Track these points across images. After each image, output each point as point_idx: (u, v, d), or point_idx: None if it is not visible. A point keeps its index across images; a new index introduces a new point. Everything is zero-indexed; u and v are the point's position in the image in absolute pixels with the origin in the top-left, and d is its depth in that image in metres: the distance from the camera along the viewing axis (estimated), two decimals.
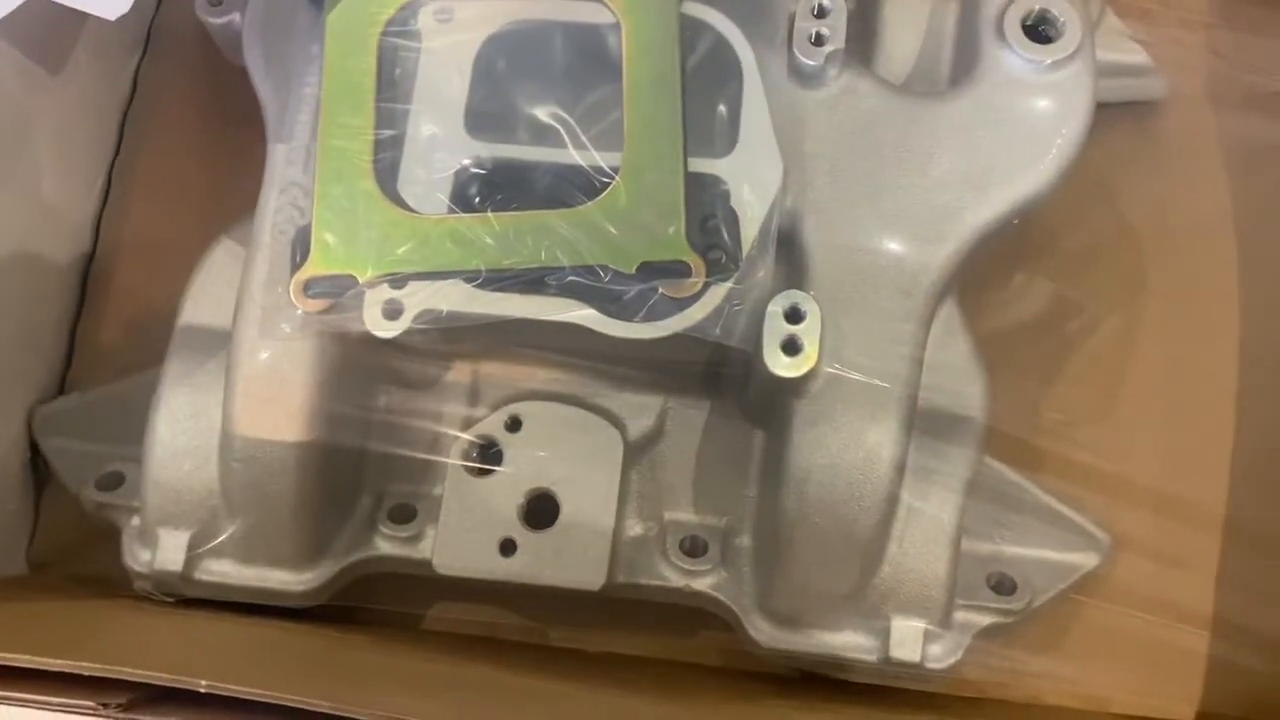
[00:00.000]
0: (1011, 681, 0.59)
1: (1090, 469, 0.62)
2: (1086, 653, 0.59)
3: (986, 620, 0.55)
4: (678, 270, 0.50)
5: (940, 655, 0.53)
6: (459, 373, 0.57)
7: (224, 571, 0.54)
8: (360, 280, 0.50)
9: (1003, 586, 0.56)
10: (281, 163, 0.53)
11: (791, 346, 0.49)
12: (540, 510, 0.55)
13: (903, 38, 0.58)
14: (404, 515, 0.56)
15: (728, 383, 0.55)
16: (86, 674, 0.38)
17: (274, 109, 0.55)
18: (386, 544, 0.56)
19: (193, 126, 0.68)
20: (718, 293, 0.50)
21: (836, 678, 0.55)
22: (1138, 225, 0.66)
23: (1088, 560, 0.58)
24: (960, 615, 0.54)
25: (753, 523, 0.56)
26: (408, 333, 0.50)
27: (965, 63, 0.55)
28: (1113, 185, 0.66)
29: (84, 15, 0.51)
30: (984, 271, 0.60)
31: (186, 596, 0.55)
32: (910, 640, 0.52)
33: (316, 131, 0.52)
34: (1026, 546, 0.57)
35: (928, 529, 0.52)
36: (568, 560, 0.54)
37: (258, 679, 0.39)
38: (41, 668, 0.38)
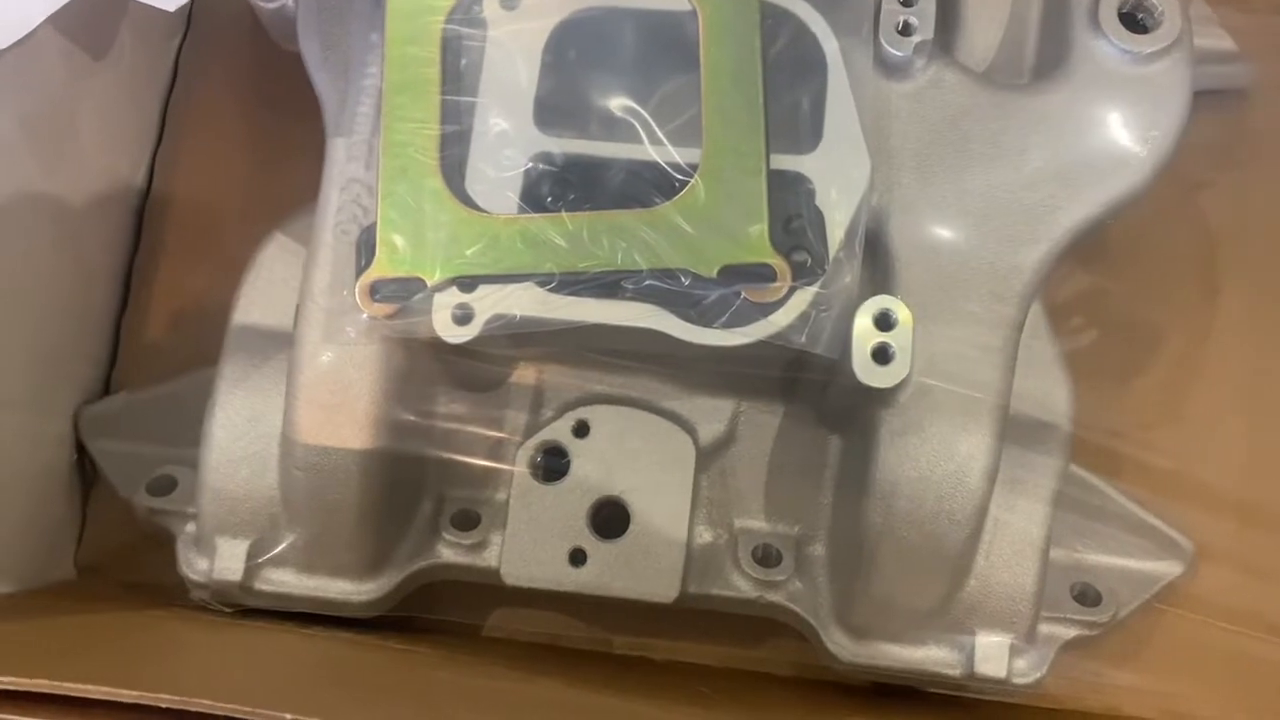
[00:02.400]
0: (1091, 693, 0.57)
1: (1169, 474, 0.60)
2: (1168, 664, 0.57)
3: (1071, 633, 0.53)
4: (761, 274, 0.47)
5: (1026, 670, 0.52)
6: (523, 375, 0.55)
7: (284, 581, 0.53)
8: (429, 283, 0.48)
9: (1086, 597, 0.54)
10: (342, 158, 0.51)
11: (882, 355, 0.47)
12: (610, 519, 0.53)
13: (985, 26, 0.55)
14: (467, 521, 0.54)
15: (804, 387, 0.53)
16: (163, 705, 0.36)
17: (332, 100, 0.53)
18: (450, 551, 0.54)
19: (235, 113, 0.66)
20: (803, 297, 0.47)
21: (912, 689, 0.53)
22: (1215, 220, 0.64)
23: (1171, 569, 0.56)
24: (1045, 628, 0.52)
25: (828, 531, 0.54)
26: (477, 338, 0.48)
27: (1053, 53, 0.52)
28: (1190, 178, 0.63)
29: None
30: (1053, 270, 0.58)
31: (245, 606, 0.53)
32: (996, 655, 0.51)
33: (378, 125, 0.50)
34: (1109, 555, 0.56)
35: (1015, 541, 0.50)
36: (639, 571, 0.52)
37: (334, 707, 0.37)
38: (112, 699, 0.37)
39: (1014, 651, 0.51)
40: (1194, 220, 0.63)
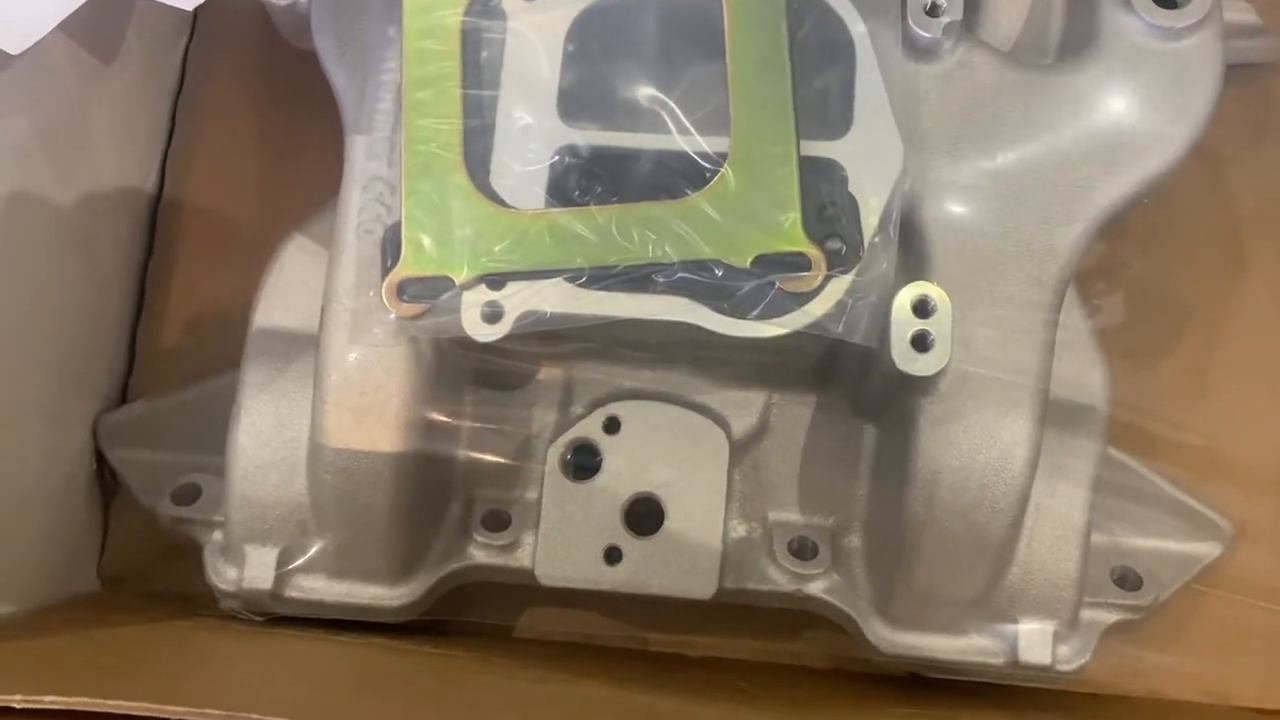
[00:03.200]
0: (1132, 678, 0.57)
1: (1203, 453, 0.59)
2: (1209, 646, 0.57)
3: (1113, 617, 0.52)
4: (795, 263, 0.46)
5: (1069, 656, 0.51)
6: (552, 372, 0.54)
7: (315, 588, 0.52)
8: (457, 281, 0.47)
9: (1127, 581, 0.54)
10: (363, 156, 0.50)
11: (921, 342, 0.46)
12: (644, 515, 0.52)
13: (1008, 6, 0.54)
14: (498, 522, 0.54)
15: (838, 377, 0.52)
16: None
17: (350, 97, 0.52)
18: (482, 553, 0.53)
19: (247, 112, 0.65)
20: (839, 286, 0.46)
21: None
22: (1242, 195, 0.63)
23: (1211, 550, 0.56)
24: (1087, 614, 0.52)
25: (864, 522, 0.53)
26: (507, 336, 0.47)
27: (1081, 31, 0.51)
28: (1216, 153, 0.62)
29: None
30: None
31: (276, 615, 0.52)
32: (1040, 643, 0.50)
33: (399, 122, 0.49)
34: (1148, 538, 0.55)
35: (1057, 527, 0.50)
36: (676, 568, 0.51)
37: (386, 717, 0.37)
38: (157, 715, 0.36)
39: (1057, 638, 0.50)
40: (1220, 195, 0.62)
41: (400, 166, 0.48)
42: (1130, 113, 0.49)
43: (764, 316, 0.47)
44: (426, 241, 0.47)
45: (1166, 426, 0.59)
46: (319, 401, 0.49)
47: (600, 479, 0.52)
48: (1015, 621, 0.50)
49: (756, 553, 0.53)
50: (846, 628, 0.53)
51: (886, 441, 0.52)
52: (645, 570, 0.51)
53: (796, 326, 0.46)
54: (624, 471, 0.52)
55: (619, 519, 0.52)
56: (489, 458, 0.54)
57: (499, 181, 0.48)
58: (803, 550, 0.53)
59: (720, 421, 0.53)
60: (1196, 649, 0.57)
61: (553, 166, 0.48)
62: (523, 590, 0.53)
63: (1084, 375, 0.52)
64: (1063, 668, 0.51)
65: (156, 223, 0.63)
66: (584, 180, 0.48)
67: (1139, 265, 0.61)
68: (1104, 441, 0.52)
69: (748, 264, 0.47)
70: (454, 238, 0.47)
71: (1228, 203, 0.63)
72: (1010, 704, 0.52)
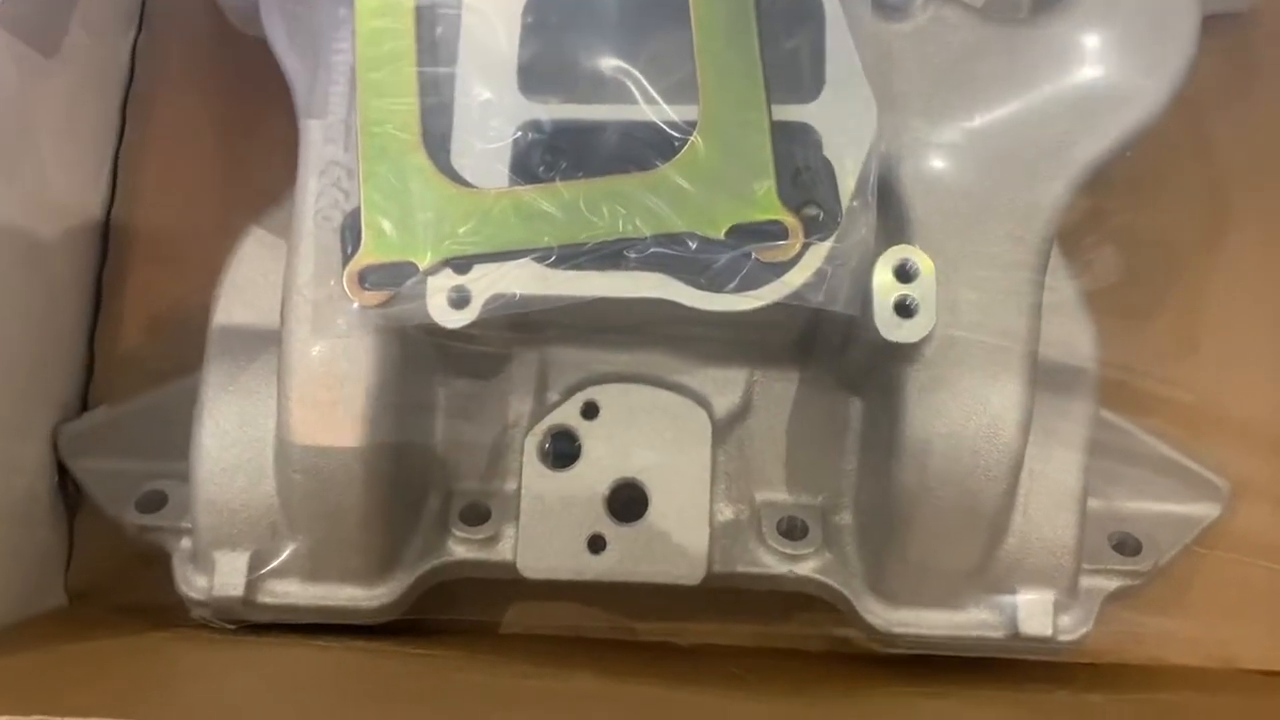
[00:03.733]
0: (1133, 644, 0.55)
1: (1195, 411, 0.58)
2: (1210, 609, 0.56)
3: (1114, 584, 0.51)
4: (772, 232, 0.45)
5: (1071, 626, 0.50)
6: (526, 358, 0.52)
7: (289, 592, 0.50)
8: (420, 267, 0.45)
9: (1126, 546, 0.52)
10: (318, 141, 0.48)
11: (905, 308, 0.45)
12: (627, 502, 0.50)
13: None
14: (477, 515, 0.52)
15: (820, 349, 0.51)
16: None
17: (302, 81, 0.50)
18: (462, 548, 0.51)
19: (199, 106, 0.62)
20: (818, 254, 0.45)
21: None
22: (1223, 146, 0.62)
23: (1209, 511, 0.54)
24: (1086, 581, 0.50)
25: (854, 498, 0.52)
26: (476, 321, 0.45)
27: None
28: (1196, 106, 0.61)
29: None
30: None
31: (250, 621, 0.50)
32: (1040, 613, 0.49)
33: (354, 104, 0.47)
34: (1144, 500, 0.54)
35: (1052, 493, 0.48)
36: (662, 554, 0.49)
37: None
38: None
39: (1058, 608, 0.49)
40: (1204, 148, 0.61)
41: (357, 150, 0.47)
42: (1108, 65, 0.48)
43: (742, 289, 0.45)
44: (387, 226, 0.46)
45: (1157, 384, 0.58)
46: (283, 398, 0.47)
47: (580, 466, 0.50)
48: (1014, 593, 0.49)
49: (745, 535, 0.52)
50: (841, 607, 0.51)
51: (873, 413, 0.50)
52: (631, 558, 0.49)
53: (776, 297, 0.45)
54: (604, 458, 0.50)
55: (601, 507, 0.50)
56: (465, 449, 0.52)
57: (460, 161, 0.46)
58: (792, 530, 0.52)
59: (702, 401, 0.51)
60: (1198, 612, 0.56)
61: (515, 143, 0.46)
62: (505, 584, 0.51)
63: (1072, 336, 0.51)
64: (1064, 638, 0.49)
65: (110, 223, 0.61)
66: (548, 156, 0.46)
67: (1123, 221, 0.60)
68: (1096, 403, 0.50)
69: (722, 235, 0.45)
70: (416, 221, 0.46)
71: (1212, 156, 0.61)
72: (1009, 677, 0.51)
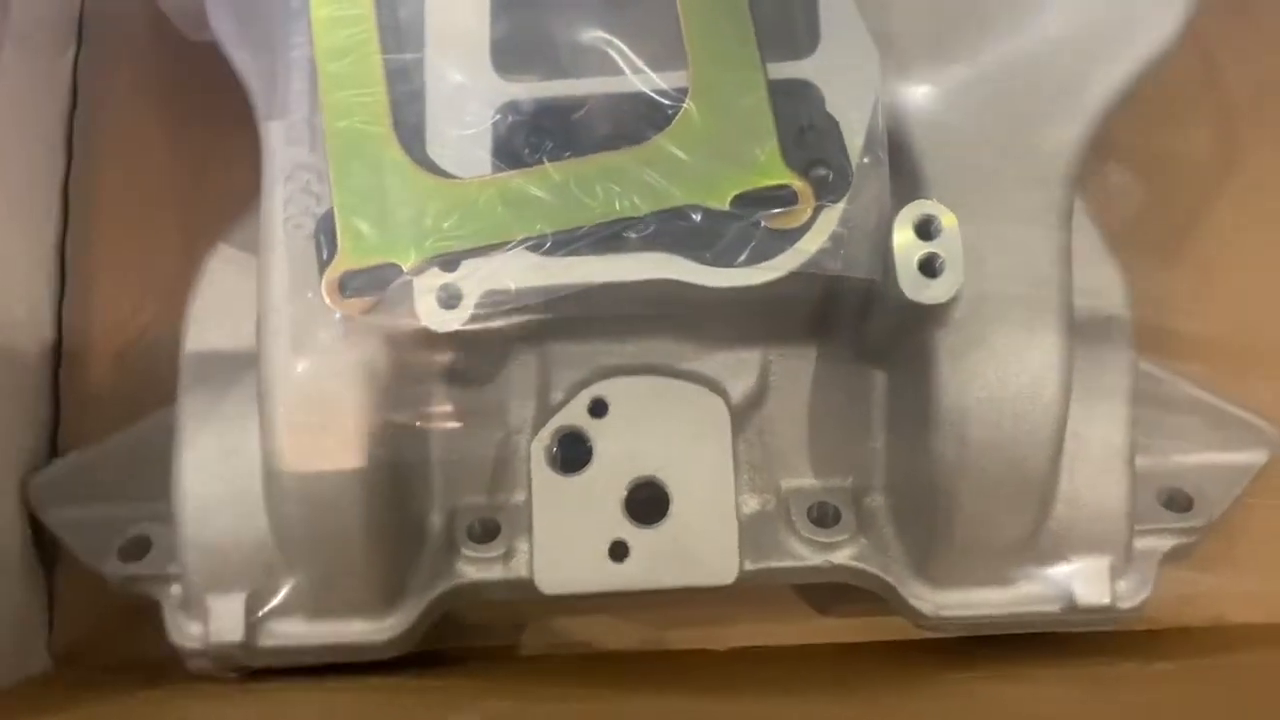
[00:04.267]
0: (1188, 606, 0.52)
1: (1225, 351, 0.55)
2: (1264, 561, 0.53)
3: (1168, 544, 0.48)
4: (780, 198, 0.42)
5: (1129, 592, 0.46)
6: (524, 357, 0.49)
7: (293, 632, 0.46)
8: (405, 268, 0.42)
9: (1176, 503, 0.49)
10: (281, 144, 0.45)
11: (930, 267, 0.41)
12: (647, 503, 0.47)
13: None
14: (486, 532, 0.48)
15: (838, 320, 0.48)
16: None
17: (259, 83, 0.46)
18: (473, 569, 0.48)
19: (151, 123, 0.58)
20: (831, 217, 0.42)
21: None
22: (1230, 78, 0.59)
23: (1257, 458, 0.51)
24: (1140, 543, 0.47)
25: (886, 477, 0.49)
26: (470, 321, 0.42)
27: None
28: (1204, 38, 0.58)
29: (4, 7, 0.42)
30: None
31: (253, 668, 0.47)
32: (1097, 581, 0.46)
33: (317, 101, 0.44)
34: (1190, 452, 0.51)
35: (1099, 453, 0.45)
36: (690, 555, 0.46)
37: None
38: None
39: (1114, 574, 0.46)
40: (1204, 75, 0.58)
41: (324, 149, 0.43)
42: None
43: (752, 261, 0.42)
44: (364, 227, 0.42)
45: (1182, 321, 0.55)
46: (268, 423, 0.44)
47: (593, 469, 0.47)
48: (1067, 562, 0.46)
49: (774, 526, 0.48)
50: (883, 594, 0.48)
51: (900, 385, 0.47)
52: (657, 563, 0.46)
53: (791, 267, 0.41)
54: (618, 457, 0.47)
55: (620, 510, 0.46)
56: (466, 461, 0.48)
57: (438, 151, 0.43)
58: (824, 517, 0.48)
59: (716, 388, 0.48)
60: (1255, 567, 0.53)
61: (495, 127, 0.43)
62: (524, 604, 0.48)
63: (1101, 282, 0.48)
64: (1124, 605, 0.46)
65: (65, 255, 0.57)
66: (532, 137, 0.43)
67: (1136, 158, 0.57)
68: (1133, 350, 0.47)
69: (727, 205, 0.42)
70: (395, 219, 0.42)
71: (1219, 81, 0.58)
72: (1067, 652, 0.48)
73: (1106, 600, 0.46)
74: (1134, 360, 0.47)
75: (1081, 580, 0.46)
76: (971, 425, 0.43)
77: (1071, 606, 0.46)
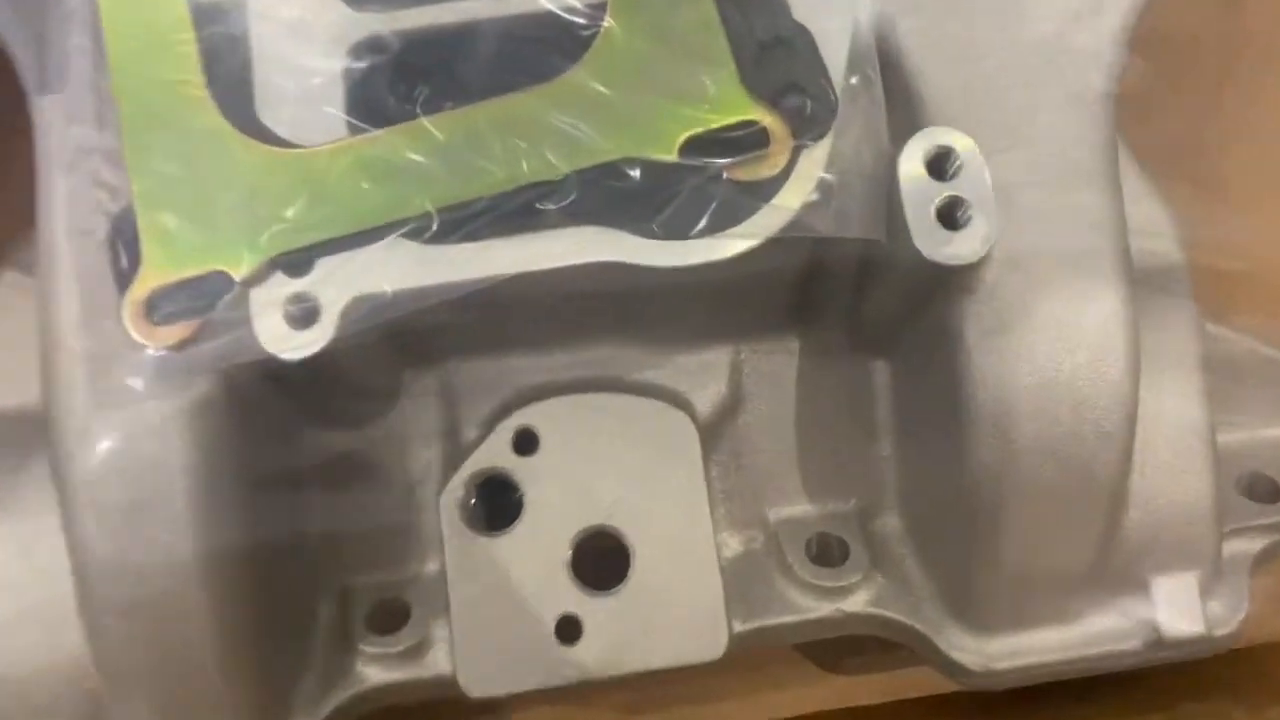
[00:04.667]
0: (1275, 615, 0.43)
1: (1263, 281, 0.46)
2: None
3: (1258, 545, 0.39)
4: (744, 140, 0.31)
5: (1225, 615, 0.37)
6: (421, 384, 0.38)
7: None
8: (236, 276, 0.30)
9: (1257, 490, 0.40)
10: (60, 123, 0.33)
11: (950, 216, 0.31)
12: (602, 560, 0.36)
13: None
14: (391, 618, 0.37)
15: (825, 300, 0.37)
16: None
17: (27, 48, 0.34)
18: (377, 669, 0.36)
19: None
20: (813, 160, 0.31)
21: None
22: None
23: None
24: (1226, 548, 0.38)
25: (900, 494, 0.38)
26: (335, 342, 0.30)
27: None
28: None
29: None
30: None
31: None
32: (1186, 604, 0.36)
33: (103, 60, 0.32)
34: (1264, 426, 0.41)
35: (1174, 435, 0.36)
36: (662, 626, 0.35)
37: None
38: None
39: (1204, 593, 0.36)
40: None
41: (116, 123, 0.32)
42: None
43: (715, 229, 0.31)
44: (175, 224, 0.31)
45: (1232, 263, 0.46)
46: (71, 508, 0.32)
47: (524, 524, 0.36)
48: (1145, 584, 0.36)
49: (766, 571, 0.38)
50: (913, 645, 0.37)
51: (912, 375, 0.37)
52: (618, 641, 0.35)
53: (769, 233, 0.31)
54: (557, 505, 0.36)
55: (566, 574, 0.35)
56: (358, 527, 0.37)
57: (271, 112, 0.32)
58: (826, 553, 0.38)
59: (677, 400, 0.37)
60: None
61: (348, 73, 0.32)
62: (453, 702, 0.37)
63: (1150, 224, 0.38)
64: (1220, 633, 0.36)
65: None
66: (401, 83, 0.32)
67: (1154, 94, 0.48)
68: (1193, 301, 0.38)
69: (675, 155, 0.31)
70: (218, 209, 0.31)
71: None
72: (1147, 690, 0.38)
73: (1200, 629, 0.36)
74: (1199, 317, 0.37)
75: (1166, 605, 0.36)
76: (1018, 420, 0.33)
77: (1156, 641, 0.36)
